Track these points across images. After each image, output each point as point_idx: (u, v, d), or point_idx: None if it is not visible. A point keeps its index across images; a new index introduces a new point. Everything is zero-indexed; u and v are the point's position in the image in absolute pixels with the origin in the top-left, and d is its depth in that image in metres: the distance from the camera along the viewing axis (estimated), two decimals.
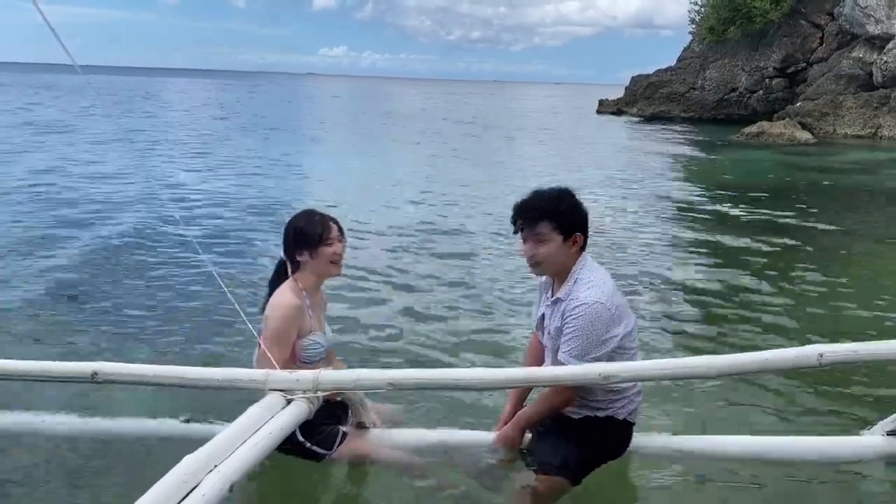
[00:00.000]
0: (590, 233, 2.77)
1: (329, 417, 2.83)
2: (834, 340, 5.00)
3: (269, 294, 2.95)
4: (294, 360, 2.89)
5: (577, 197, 2.77)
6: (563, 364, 2.62)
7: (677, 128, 29.39)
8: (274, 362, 2.72)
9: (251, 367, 2.85)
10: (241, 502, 2.80)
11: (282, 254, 2.99)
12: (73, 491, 2.94)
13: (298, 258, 2.91)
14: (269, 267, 6.43)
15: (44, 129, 21.30)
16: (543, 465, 2.71)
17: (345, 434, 2.88)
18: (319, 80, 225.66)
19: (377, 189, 12.24)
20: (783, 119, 25.94)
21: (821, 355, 2.38)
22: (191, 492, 2.02)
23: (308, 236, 2.88)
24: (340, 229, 2.97)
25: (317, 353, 2.96)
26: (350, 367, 3.18)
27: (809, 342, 4.63)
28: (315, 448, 2.81)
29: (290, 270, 2.96)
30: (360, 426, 2.92)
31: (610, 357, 2.62)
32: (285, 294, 2.87)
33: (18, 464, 3.09)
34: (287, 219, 2.99)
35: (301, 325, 2.87)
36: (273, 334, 2.82)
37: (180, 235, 7.50)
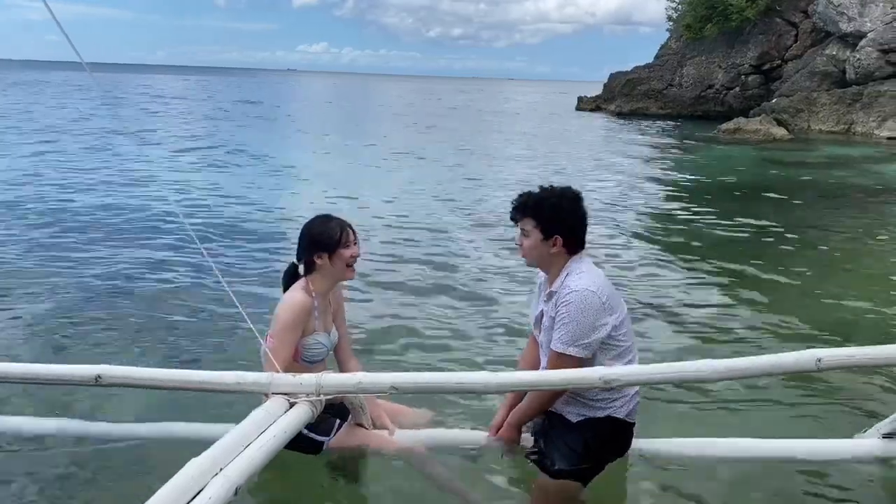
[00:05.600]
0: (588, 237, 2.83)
1: (327, 409, 2.85)
2: (820, 331, 5.08)
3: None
4: (296, 359, 2.93)
5: (577, 202, 2.81)
6: (556, 352, 2.68)
7: (655, 124, 29.53)
8: (275, 362, 2.77)
9: (257, 367, 2.87)
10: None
11: (295, 258, 3.05)
12: (76, 495, 2.93)
13: (317, 261, 2.97)
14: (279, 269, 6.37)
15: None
16: (553, 470, 2.75)
17: (342, 424, 2.93)
18: (302, 76, 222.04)
19: None
20: (759, 115, 26.26)
21: (819, 360, 2.45)
22: (197, 495, 2.03)
23: (327, 240, 2.96)
24: (355, 234, 3.05)
25: (318, 354, 3.02)
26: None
27: (796, 341, 4.70)
28: (313, 435, 2.82)
29: (302, 273, 3.03)
30: (359, 426, 2.95)
31: (602, 347, 2.68)
32: (297, 293, 2.95)
33: (20, 469, 3.06)
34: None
35: (306, 324, 2.94)
36: (280, 330, 2.88)
37: (191, 240, 7.33)
